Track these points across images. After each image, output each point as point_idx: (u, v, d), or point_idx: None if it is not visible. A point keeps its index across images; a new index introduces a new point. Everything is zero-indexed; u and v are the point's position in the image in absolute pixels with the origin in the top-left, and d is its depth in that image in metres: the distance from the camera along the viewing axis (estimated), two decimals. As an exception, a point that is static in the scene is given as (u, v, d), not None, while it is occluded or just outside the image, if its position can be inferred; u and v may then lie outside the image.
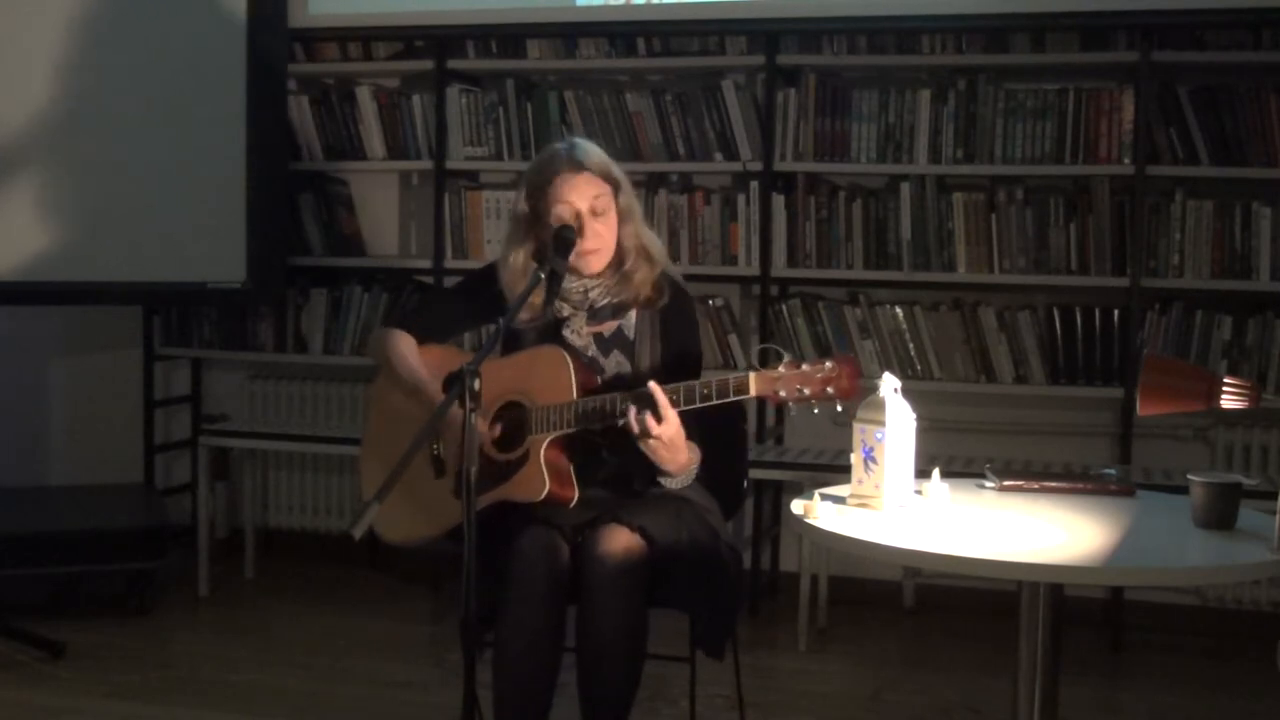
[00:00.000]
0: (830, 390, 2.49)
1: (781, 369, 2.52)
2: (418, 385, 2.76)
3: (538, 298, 2.67)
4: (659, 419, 2.53)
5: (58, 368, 4.94)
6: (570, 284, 2.76)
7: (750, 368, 2.57)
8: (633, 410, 2.55)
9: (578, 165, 2.73)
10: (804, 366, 2.51)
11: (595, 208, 2.72)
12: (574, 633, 2.58)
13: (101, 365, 5.00)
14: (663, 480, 2.69)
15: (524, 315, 2.74)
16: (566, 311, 2.79)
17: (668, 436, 2.55)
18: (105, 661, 3.77)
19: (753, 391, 2.53)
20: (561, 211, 2.71)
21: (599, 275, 2.79)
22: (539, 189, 2.75)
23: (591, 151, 2.78)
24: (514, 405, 2.72)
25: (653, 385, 2.55)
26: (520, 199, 2.81)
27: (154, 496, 4.66)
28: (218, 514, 4.75)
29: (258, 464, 4.83)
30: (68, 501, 4.53)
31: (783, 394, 2.51)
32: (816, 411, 2.53)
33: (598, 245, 2.72)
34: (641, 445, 2.58)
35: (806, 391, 2.50)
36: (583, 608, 2.55)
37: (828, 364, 2.50)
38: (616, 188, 2.77)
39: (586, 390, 2.67)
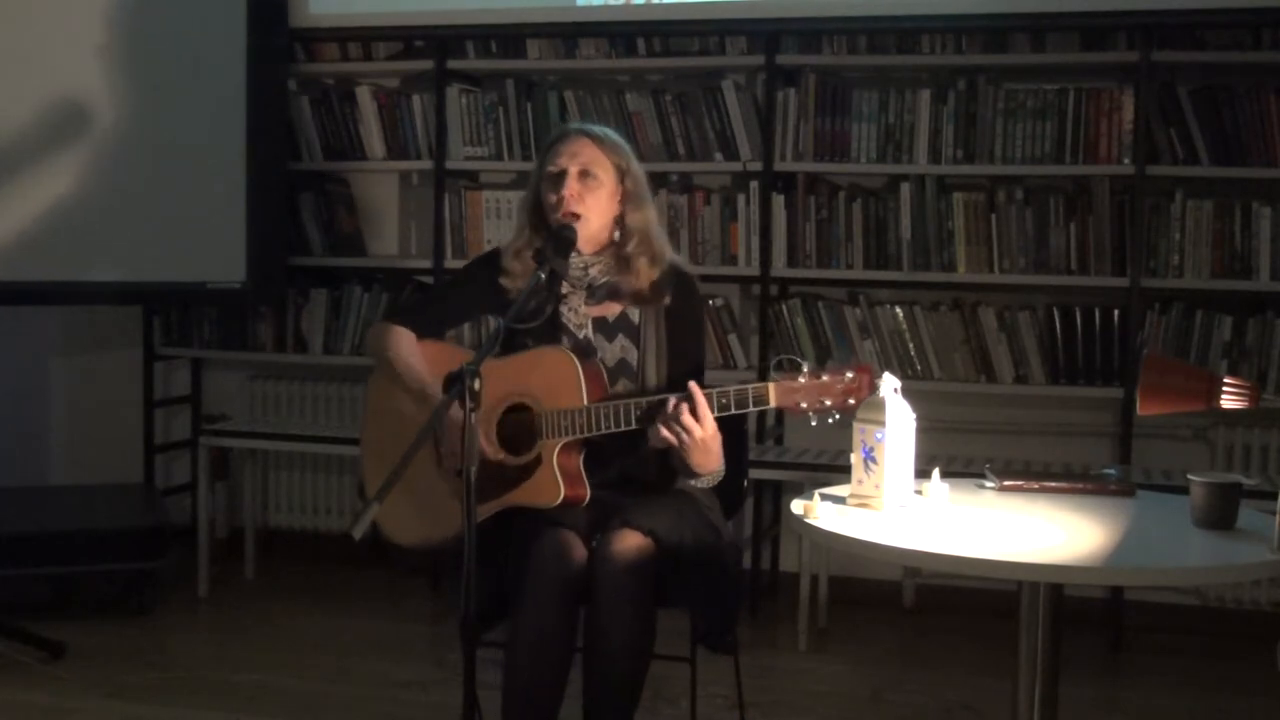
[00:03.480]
0: (852, 401, 2.48)
1: (802, 379, 2.50)
2: (422, 388, 2.74)
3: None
4: (697, 418, 2.53)
5: (58, 368, 4.94)
6: (571, 259, 2.75)
7: (770, 378, 2.55)
8: (672, 401, 2.53)
9: (578, 132, 2.80)
10: (824, 377, 2.50)
11: (586, 172, 2.73)
12: (580, 632, 2.59)
13: (101, 365, 5.00)
14: (691, 480, 2.69)
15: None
16: (565, 289, 2.79)
17: (700, 437, 2.54)
18: (105, 661, 3.77)
19: (773, 402, 2.52)
20: (550, 170, 2.75)
21: (598, 253, 2.79)
22: (541, 163, 2.81)
23: (598, 128, 2.83)
24: (519, 407, 2.71)
25: (693, 386, 2.54)
26: (530, 187, 2.85)
27: (154, 496, 4.65)
28: (218, 514, 4.75)
29: (258, 464, 4.83)
30: (68, 501, 4.53)
31: (804, 405, 2.50)
32: (837, 417, 2.52)
33: (575, 208, 2.71)
34: (674, 441, 2.55)
35: (828, 402, 2.49)
36: (593, 609, 2.55)
37: (848, 374, 2.49)
38: (622, 171, 2.77)
39: (594, 390, 2.66)
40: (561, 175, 2.74)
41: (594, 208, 2.74)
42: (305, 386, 4.84)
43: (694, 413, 2.52)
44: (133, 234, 4.30)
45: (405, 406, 2.78)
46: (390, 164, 4.71)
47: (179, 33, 4.32)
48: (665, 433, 2.54)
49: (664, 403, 2.55)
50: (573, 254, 2.74)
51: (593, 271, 2.79)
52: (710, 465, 2.63)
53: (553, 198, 2.75)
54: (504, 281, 2.81)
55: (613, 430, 2.61)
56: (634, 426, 2.59)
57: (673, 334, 2.78)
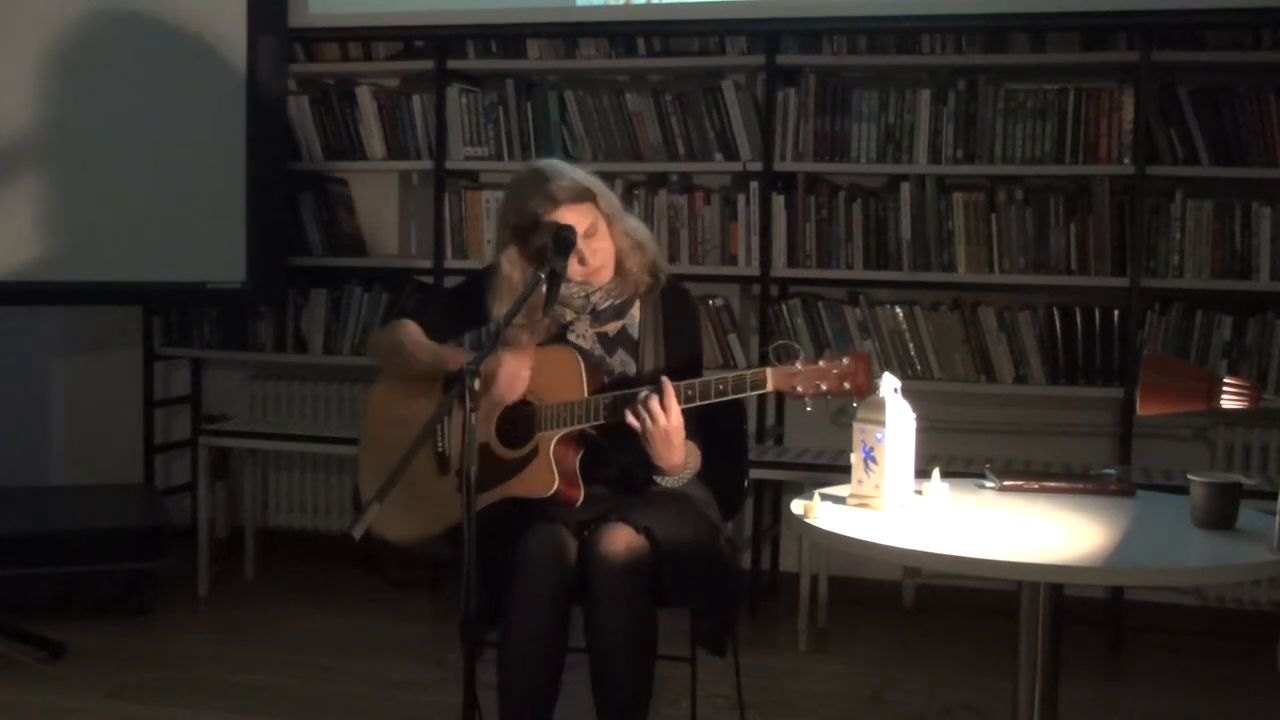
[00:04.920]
0: (848, 386, 2.51)
1: (799, 365, 2.52)
2: (439, 357, 2.77)
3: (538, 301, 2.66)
4: (665, 410, 2.54)
5: (58, 368, 4.94)
6: (571, 289, 2.76)
7: (765, 363, 2.57)
8: (641, 393, 2.56)
9: (554, 202, 2.69)
10: (820, 363, 2.52)
11: (586, 231, 2.72)
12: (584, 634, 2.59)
13: (101, 365, 5.00)
14: (658, 479, 2.70)
15: (522, 319, 2.71)
16: (569, 316, 2.80)
17: (664, 427, 2.56)
18: (105, 661, 3.77)
19: (770, 387, 2.55)
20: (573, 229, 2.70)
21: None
22: (524, 225, 2.72)
23: (562, 179, 2.71)
24: (521, 403, 2.73)
25: (665, 380, 2.57)
26: (507, 227, 2.79)
27: (154, 496, 4.65)
28: (218, 514, 4.75)
29: (258, 464, 4.82)
30: (68, 501, 4.52)
31: (800, 390, 2.53)
32: (830, 404, 2.54)
33: (600, 262, 2.74)
34: (635, 426, 2.59)
35: (824, 387, 2.52)
36: (589, 609, 2.56)
37: (845, 360, 2.52)
38: (594, 199, 2.74)
39: (596, 388, 2.68)
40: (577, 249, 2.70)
41: (607, 249, 2.75)
42: (305, 386, 4.84)
43: (662, 402, 2.55)
44: (133, 234, 4.30)
45: (407, 411, 2.78)
46: (390, 164, 4.71)
47: (179, 32, 4.32)
48: (630, 417, 2.58)
49: (637, 393, 2.59)
50: (572, 285, 2.74)
51: (595, 297, 2.80)
52: (673, 459, 2.64)
53: (577, 264, 2.71)
54: (493, 295, 2.80)
55: (605, 421, 2.63)
56: (614, 418, 2.61)
57: (670, 348, 2.80)
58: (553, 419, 2.67)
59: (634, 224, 2.84)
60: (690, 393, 2.58)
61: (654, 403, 2.56)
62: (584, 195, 2.73)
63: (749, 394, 2.57)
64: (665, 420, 2.56)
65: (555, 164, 2.78)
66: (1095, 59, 4.13)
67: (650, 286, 2.81)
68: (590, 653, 2.56)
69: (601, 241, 2.74)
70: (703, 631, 2.66)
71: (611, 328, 2.81)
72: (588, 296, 2.79)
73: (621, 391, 2.64)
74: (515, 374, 2.68)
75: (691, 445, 2.70)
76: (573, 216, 2.70)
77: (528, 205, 2.71)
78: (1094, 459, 4.16)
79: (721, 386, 2.57)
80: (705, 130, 4.37)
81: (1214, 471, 3.56)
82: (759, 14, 4.25)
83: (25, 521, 4.17)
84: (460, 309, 2.92)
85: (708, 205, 4.39)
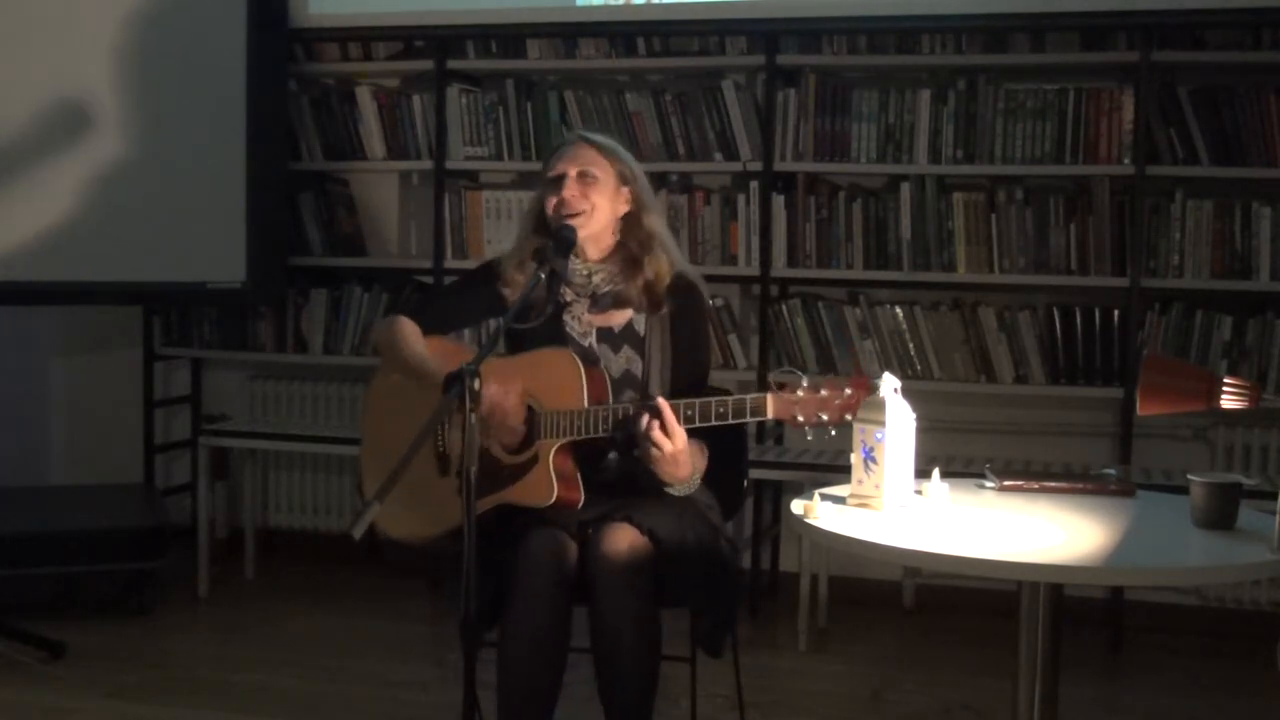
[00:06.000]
0: (849, 418, 2.49)
1: (800, 393, 2.52)
2: (424, 369, 2.76)
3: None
4: (666, 433, 2.54)
5: (58, 368, 4.94)
6: (574, 266, 2.76)
7: (767, 388, 2.57)
8: (644, 419, 2.55)
9: (578, 140, 2.83)
10: (822, 391, 2.51)
11: (584, 173, 2.76)
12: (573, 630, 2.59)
13: (101, 365, 5.00)
14: (665, 489, 2.69)
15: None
16: (569, 297, 2.79)
17: (670, 451, 2.56)
18: (105, 661, 3.77)
19: (770, 414, 2.54)
20: (550, 176, 2.78)
21: (602, 261, 2.80)
22: (544, 170, 2.83)
23: (599, 135, 2.87)
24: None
25: (662, 401, 2.56)
26: (534, 199, 2.88)
27: (154, 496, 4.65)
28: (218, 514, 4.75)
29: (258, 464, 4.82)
30: (68, 501, 4.52)
31: (800, 418, 2.52)
32: (834, 434, 2.53)
33: (576, 205, 2.73)
34: (643, 455, 2.58)
35: (825, 417, 2.51)
36: (593, 609, 2.56)
37: (846, 390, 2.50)
38: (624, 176, 2.79)
39: (596, 393, 2.67)
40: (561, 179, 2.76)
41: (598, 204, 2.75)
42: (305, 386, 4.84)
43: (664, 428, 2.54)
44: (133, 234, 4.30)
45: (408, 406, 2.78)
46: (390, 164, 4.71)
47: (179, 33, 4.32)
48: (638, 449, 2.58)
49: (637, 418, 2.57)
50: (576, 261, 2.75)
51: (596, 279, 2.80)
52: (680, 475, 2.64)
53: (553, 200, 2.75)
54: (504, 290, 2.82)
55: (612, 433, 2.62)
56: (608, 434, 2.61)
57: (677, 343, 2.79)
58: (553, 427, 2.66)
59: (671, 245, 2.85)
60: (690, 413, 2.57)
61: (656, 432, 2.54)
62: (613, 154, 2.81)
63: (749, 419, 2.57)
64: (671, 446, 2.56)
65: (605, 135, 2.91)
66: (1095, 59, 4.13)
67: (652, 307, 2.79)
68: (595, 653, 2.56)
69: (596, 193, 2.75)
70: (702, 632, 2.66)
71: (615, 321, 2.80)
72: (590, 277, 2.79)
73: (623, 405, 2.63)
74: (501, 403, 2.64)
75: (697, 448, 2.69)
76: (582, 155, 2.78)
77: (565, 136, 2.95)
78: (1094, 459, 4.16)
79: (721, 410, 2.56)
80: (705, 130, 4.37)
81: (1214, 471, 3.56)
82: (759, 14, 4.25)
83: (25, 521, 4.17)
84: (471, 300, 2.92)
85: (708, 205, 4.39)
